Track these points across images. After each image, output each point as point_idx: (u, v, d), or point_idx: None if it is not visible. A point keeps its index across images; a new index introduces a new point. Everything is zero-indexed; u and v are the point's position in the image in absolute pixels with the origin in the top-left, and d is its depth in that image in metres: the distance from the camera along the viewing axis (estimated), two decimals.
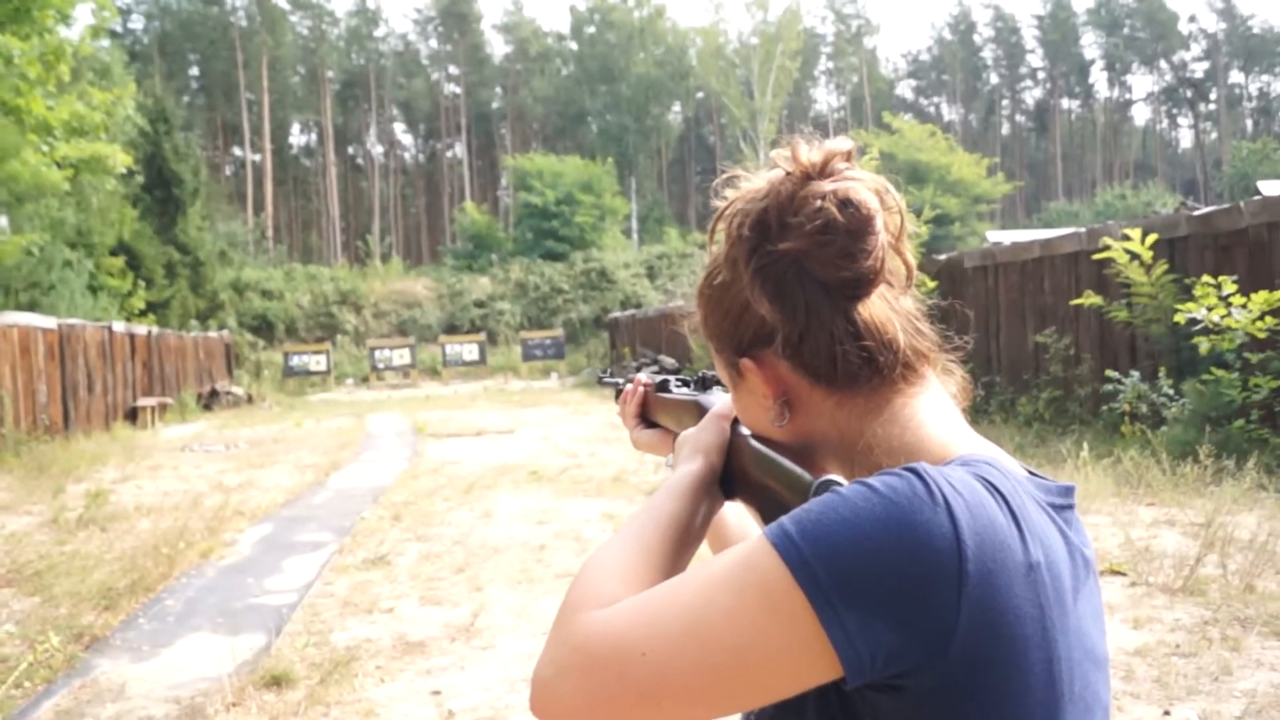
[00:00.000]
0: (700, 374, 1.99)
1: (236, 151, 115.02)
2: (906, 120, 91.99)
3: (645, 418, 2.27)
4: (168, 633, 8.26)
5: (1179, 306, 13.28)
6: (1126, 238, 14.50)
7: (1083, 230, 17.20)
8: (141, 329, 32.19)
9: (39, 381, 22.70)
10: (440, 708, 6.30)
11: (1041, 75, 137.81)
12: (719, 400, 1.81)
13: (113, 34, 64.65)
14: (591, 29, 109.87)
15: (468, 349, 54.40)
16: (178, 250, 49.57)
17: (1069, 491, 1.38)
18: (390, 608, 8.68)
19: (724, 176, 1.56)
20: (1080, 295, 15.67)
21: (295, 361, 51.32)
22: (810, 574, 1.15)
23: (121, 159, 28.98)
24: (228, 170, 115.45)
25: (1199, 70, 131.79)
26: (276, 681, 6.73)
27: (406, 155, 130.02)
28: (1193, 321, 12.94)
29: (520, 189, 79.83)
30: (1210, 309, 12.66)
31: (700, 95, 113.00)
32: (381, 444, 22.81)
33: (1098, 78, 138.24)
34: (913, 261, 1.50)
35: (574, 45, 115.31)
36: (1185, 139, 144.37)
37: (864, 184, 1.40)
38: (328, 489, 16.01)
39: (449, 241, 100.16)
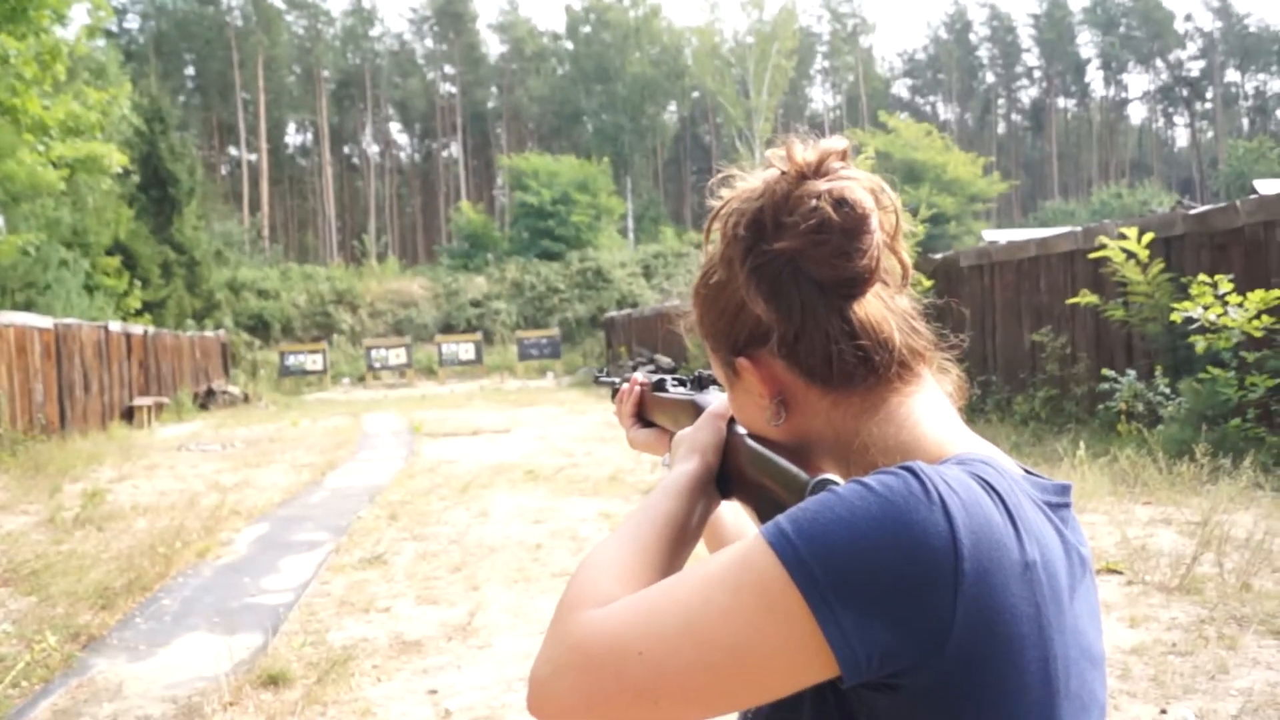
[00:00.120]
0: (697, 373, 1.99)
1: (232, 151, 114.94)
2: (902, 119, 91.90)
3: (642, 417, 2.26)
4: (164, 632, 8.26)
5: (1175, 305, 13.29)
6: (1123, 236, 14.51)
7: (1079, 229, 17.20)
8: (138, 328, 32.18)
9: (35, 381, 22.69)
10: (437, 707, 6.30)
11: (1037, 74, 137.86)
12: (715, 399, 1.81)
13: (108, 34, 64.69)
14: (587, 28, 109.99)
15: (464, 348, 54.38)
16: (174, 250, 49.52)
17: (1065, 490, 1.38)
18: (387, 607, 8.67)
19: (719, 176, 1.56)
20: (1076, 294, 15.69)
21: (291, 361, 51.29)
22: (806, 572, 1.16)
23: (117, 158, 28.98)
24: (223, 170, 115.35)
25: (1195, 69, 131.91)
26: (273, 681, 6.72)
27: (402, 155, 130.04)
28: (1189, 320, 12.95)
29: (516, 188, 79.80)
30: (1206, 308, 12.68)
31: (696, 94, 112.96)
32: (378, 443, 22.80)
33: (1094, 76, 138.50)
34: (908, 260, 1.50)
35: (569, 45, 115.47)
36: (1181, 138, 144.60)
37: (859, 183, 1.41)
38: (324, 488, 16.01)
39: (445, 241, 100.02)
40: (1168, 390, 13.92)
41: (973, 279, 19.50)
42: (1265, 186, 24.50)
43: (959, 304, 17.99)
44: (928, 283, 18.99)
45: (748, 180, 1.51)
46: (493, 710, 6.20)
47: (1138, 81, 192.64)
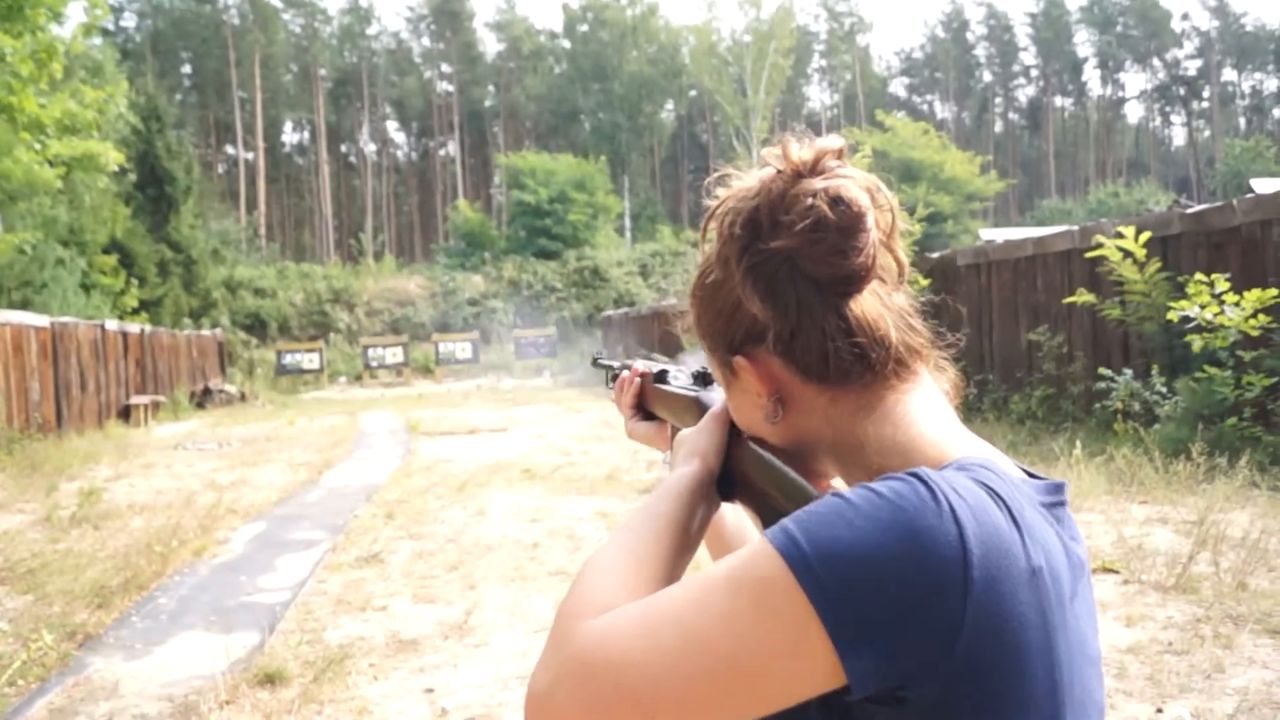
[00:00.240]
0: (700, 369, 1.95)
1: (229, 150, 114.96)
2: (899, 118, 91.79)
3: (642, 408, 2.24)
4: (161, 631, 8.26)
5: (1172, 304, 13.30)
6: (1120, 236, 14.50)
7: (1076, 228, 17.22)
8: (134, 327, 32.17)
9: (32, 380, 22.68)
10: (433, 705, 6.30)
11: (1034, 73, 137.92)
12: (719, 399, 1.78)
13: (105, 32, 64.75)
14: (584, 27, 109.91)
15: (461, 347, 54.40)
16: (170, 248, 49.57)
17: (1061, 489, 1.37)
18: (383, 606, 8.67)
19: (716, 175, 1.55)
20: (1073, 293, 15.69)
21: (288, 360, 51.27)
22: (814, 577, 1.13)
23: (114, 157, 28.99)
24: (220, 168, 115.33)
25: (1192, 68, 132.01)
26: (270, 679, 6.72)
27: (399, 153, 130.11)
28: (1185, 319, 12.96)
29: (513, 187, 79.91)
30: (1203, 307, 12.68)
31: (693, 93, 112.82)
32: (374, 442, 22.80)
33: (1091, 75, 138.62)
34: (905, 258, 1.49)
35: (567, 43, 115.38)
36: (1178, 137, 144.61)
37: (855, 181, 1.40)
38: (321, 487, 16.01)
39: (442, 240, 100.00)
40: (1164, 389, 13.93)
41: (970, 278, 19.50)
42: (1262, 185, 24.57)
43: (955, 302, 18.03)
44: (924, 281, 18.96)
45: (744, 179, 1.51)
46: (489, 709, 6.20)
47: (1135, 80, 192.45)
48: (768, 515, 1.49)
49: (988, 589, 1.14)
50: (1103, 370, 15.05)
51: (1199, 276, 12.91)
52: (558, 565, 9.84)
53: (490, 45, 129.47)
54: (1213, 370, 12.76)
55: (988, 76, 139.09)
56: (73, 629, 8.16)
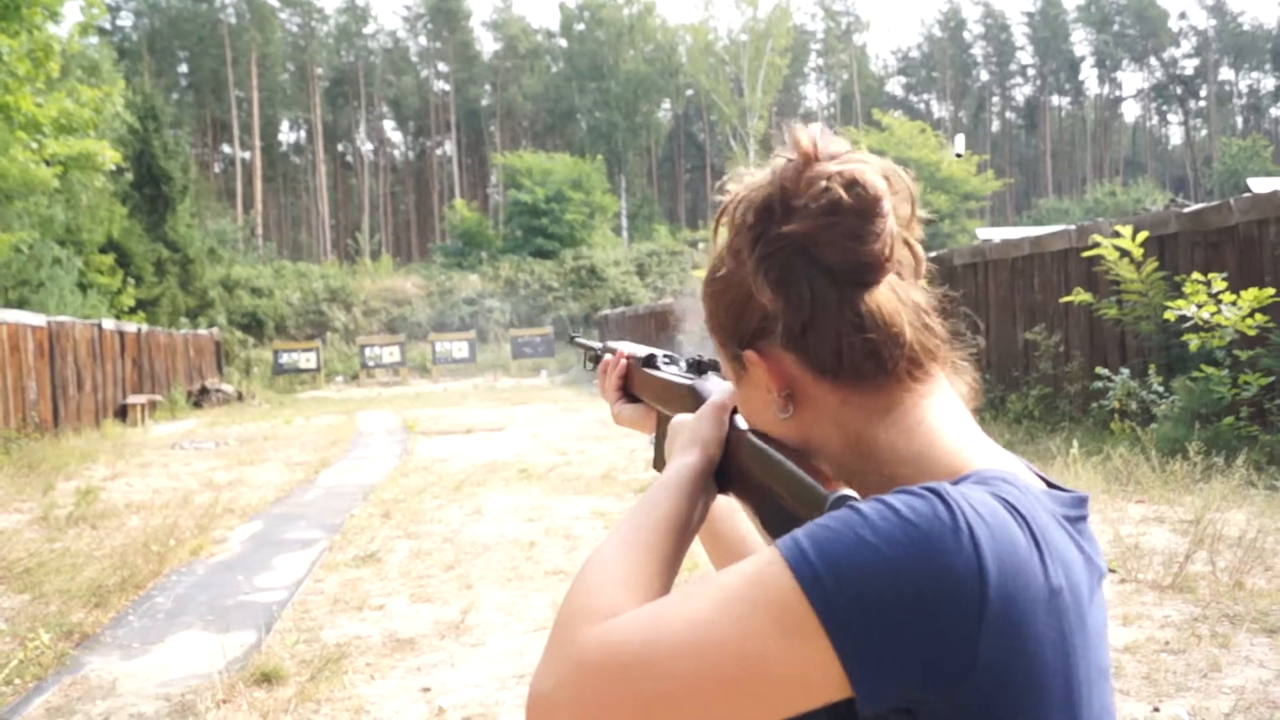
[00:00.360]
0: (695, 357, 1.94)
1: (225, 149, 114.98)
2: (896, 117, 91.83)
3: (627, 391, 2.22)
4: (158, 630, 8.25)
5: (1169, 304, 13.31)
6: (1117, 235, 14.51)
7: (1072, 227, 17.21)
8: (131, 326, 32.14)
9: (28, 379, 22.67)
10: (430, 705, 6.30)
11: (1031, 72, 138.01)
12: (717, 388, 1.77)
13: (101, 31, 64.80)
14: (581, 26, 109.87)
15: (457, 347, 54.44)
16: (167, 248, 49.53)
17: (1083, 502, 1.35)
18: (380, 605, 8.67)
19: (729, 175, 1.53)
20: (1070, 292, 15.70)
21: (285, 359, 51.31)
22: (824, 594, 1.12)
23: (110, 155, 28.95)
24: (217, 167, 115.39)
25: (1189, 67, 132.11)
26: (267, 679, 6.72)
27: (396, 153, 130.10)
28: (1182, 319, 12.98)
29: (510, 186, 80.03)
30: (1200, 306, 12.70)
31: (690, 92, 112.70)
32: (371, 441, 22.79)
33: (1088, 74, 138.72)
34: (922, 252, 1.47)
35: (563, 42, 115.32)
36: (1175, 136, 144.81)
37: (871, 166, 1.37)
38: (318, 486, 16.00)
39: (438, 239, 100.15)
40: (1161, 389, 13.93)
41: (967, 277, 19.50)
42: (1259, 185, 24.58)
43: (962, 304, 18.04)
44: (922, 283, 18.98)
45: (755, 175, 1.47)
46: (486, 708, 6.19)
47: (1131, 80, 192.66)
48: (766, 512, 1.47)
49: (1004, 611, 1.12)
50: (1099, 369, 15.06)
51: (1196, 276, 12.93)
52: (554, 565, 9.84)
53: (487, 44, 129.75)
54: (1209, 369, 12.76)
55: (985, 75, 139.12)
56: (70, 628, 8.15)
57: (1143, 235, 14.28)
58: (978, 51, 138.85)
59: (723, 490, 1.62)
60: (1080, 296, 15.28)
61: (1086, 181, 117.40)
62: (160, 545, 10.95)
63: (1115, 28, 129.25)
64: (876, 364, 1.36)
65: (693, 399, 1.83)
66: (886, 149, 75.74)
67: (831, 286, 1.35)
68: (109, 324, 29.45)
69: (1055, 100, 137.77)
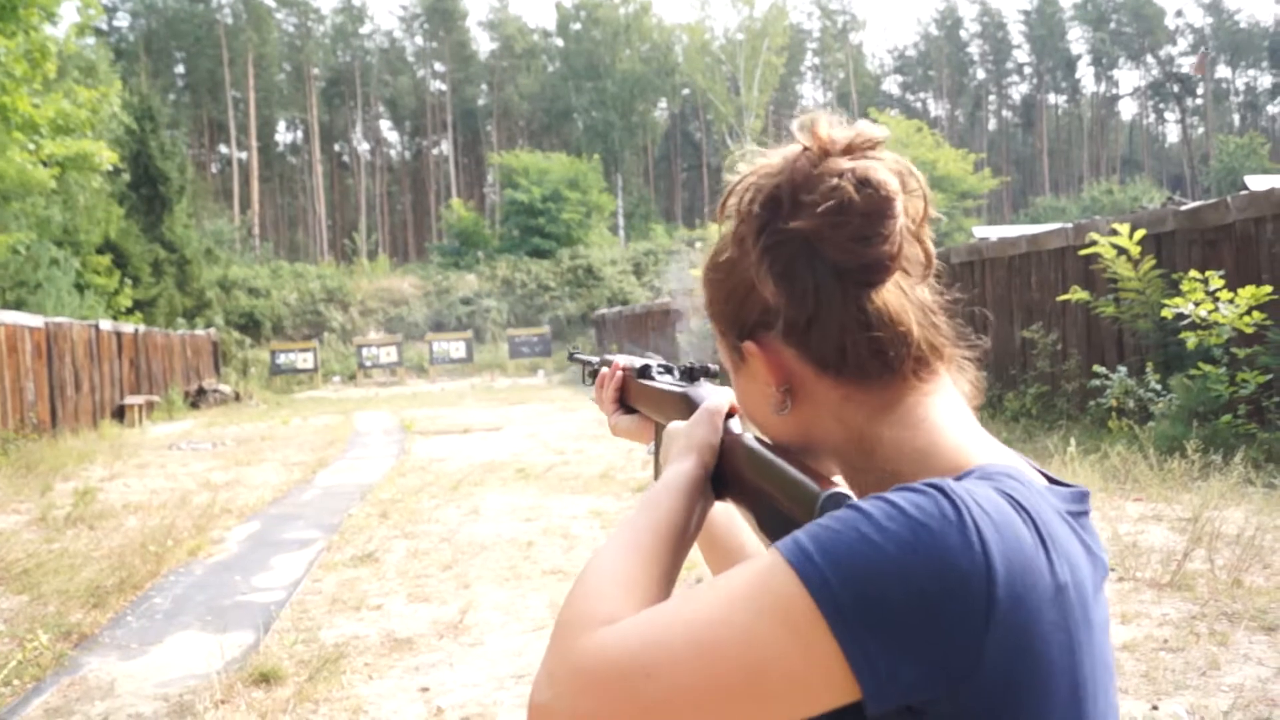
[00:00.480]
0: (687, 364, 1.93)
1: (222, 149, 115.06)
2: (893, 116, 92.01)
3: (624, 403, 2.22)
4: (156, 630, 8.26)
5: (1166, 301, 13.31)
6: (1114, 233, 14.51)
7: (1070, 226, 17.20)
8: (128, 327, 32.16)
9: (26, 380, 22.68)
10: (428, 704, 6.30)
11: (1028, 70, 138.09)
12: (711, 394, 1.75)
13: (98, 32, 64.71)
14: (577, 25, 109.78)
15: (454, 346, 54.53)
16: (164, 248, 49.52)
17: (1084, 497, 1.33)
18: (378, 605, 8.67)
19: (739, 152, 1.51)
20: (1067, 291, 15.70)
21: (282, 359, 51.37)
22: (830, 595, 1.09)
23: (107, 155, 28.93)
24: (214, 168, 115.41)
25: (1186, 65, 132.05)
26: (265, 679, 6.72)
27: (392, 152, 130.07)
28: (1180, 316, 12.99)
29: (506, 186, 80.00)
30: (1197, 304, 12.70)
31: (686, 92, 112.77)
32: (369, 441, 22.80)
33: (1084, 73, 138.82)
34: (932, 249, 1.44)
35: (560, 42, 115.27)
36: (1172, 134, 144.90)
37: (885, 164, 1.35)
38: (315, 487, 16.00)
39: (435, 239, 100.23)
40: (1159, 386, 13.93)
41: (964, 276, 19.48)
42: (1256, 182, 24.50)
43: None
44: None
45: (768, 157, 1.43)
46: (484, 707, 6.20)
47: (1128, 78, 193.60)
48: (765, 517, 1.45)
49: (1011, 609, 1.10)
50: (1097, 368, 15.07)
51: (1193, 273, 12.94)
52: (552, 564, 9.84)
53: (483, 44, 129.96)
54: (1207, 367, 12.76)
55: (981, 74, 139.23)
56: (68, 629, 8.16)
57: (1140, 233, 14.28)
58: (974, 50, 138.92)
59: (719, 496, 1.60)
60: (1077, 295, 15.28)
61: (1083, 180, 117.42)
62: (158, 546, 10.96)
63: (1112, 26, 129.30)
64: (882, 362, 1.35)
65: (686, 406, 1.81)
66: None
67: (836, 284, 1.33)
68: (106, 325, 29.47)
69: (1052, 98, 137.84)
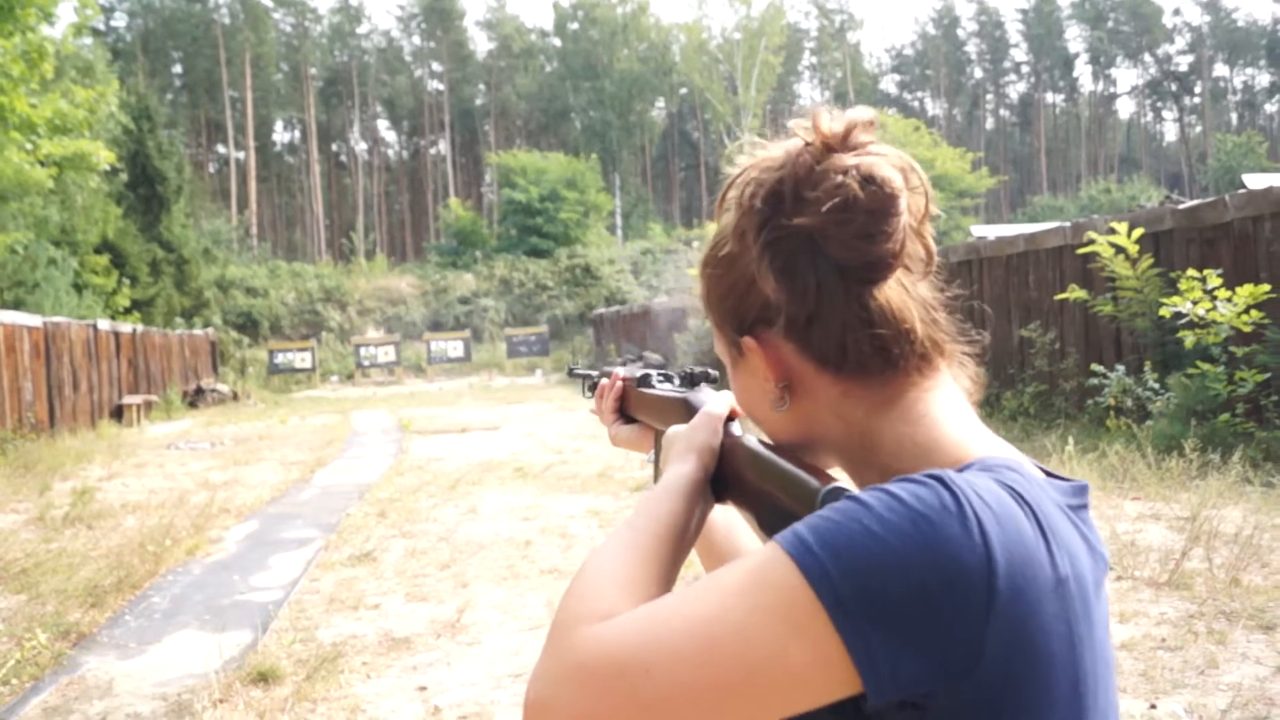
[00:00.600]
0: (687, 370, 1.92)
1: (220, 149, 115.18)
2: (890, 115, 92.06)
3: (624, 413, 2.21)
4: (154, 630, 8.25)
5: (1164, 300, 13.31)
6: (1112, 231, 14.51)
7: (1067, 224, 17.19)
8: (126, 327, 32.12)
9: (24, 379, 22.68)
10: (426, 704, 6.30)
11: (1025, 69, 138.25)
12: (710, 398, 1.74)
13: (95, 32, 64.72)
14: (575, 25, 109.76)
15: (452, 346, 54.55)
16: (162, 248, 49.49)
17: (1083, 491, 1.33)
18: (376, 604, 8.67)
19: (739, 143, 1.50)
20: (1065, 289, 15.69)
21: (280, 359, 51.35)
22: (831, 587, 1.09)
23: (105, 156, 28.90)
24: (211, 168, 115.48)
25: (1183, 64, 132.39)
26: (263, 678, 6.72)
27: (390, 152, 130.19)
28: (1178, 315, 12.98)
29: (504, 185, 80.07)
30: (1195, 303, 12.70)
31: (684, 91, 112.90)
32: (367, 441, 22.79)
33: (1082, 71, 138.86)
34: (933, 246, 1.43)
35: (557, 41, 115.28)
36: (1170, 132, 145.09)
37: (888, 160, 1.34)
38: (313, 486, 15.99)
39: (433, 238, 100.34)
40: (1157, 385, 13.92)
41: (961, 275, 19.47)
42: (1254, 181, 24.50)
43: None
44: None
45: (769, 149, 1.42)
46: (482, 707, 6.19)
47: (1126, 76, 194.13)
48: (767, 517, 1.44)
49: (1012, 601, 1.10)
50: (1095, 366, 15.06)
51: (1191, 272, 12.93)
52: (550, 564, 9.84)
53: (481, 44, 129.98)
54: (1205, 366, 12.75)
55: (979, 73, 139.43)
56: (66, 628, 8.15)
57: (1138, 232, 14.28)
58: (971, 49, 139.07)
59: (719, 498, 1.59)
60: (1075, 293, 15.28)
61: (1081, 178, 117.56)
62: (156, 545, 10.96)
63: (1109, 24, 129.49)
64: (884, 359, 1.34)
65: (686, 411, 1.81)
66: None
67: (839, 281, 1.32)
68: (104, 324, 29.45)
69: (1049, 97, 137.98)
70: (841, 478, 1.35)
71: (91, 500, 13.98)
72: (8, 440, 20.21)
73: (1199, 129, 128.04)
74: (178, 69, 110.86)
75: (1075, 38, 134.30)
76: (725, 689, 1.12)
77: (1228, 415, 12.41)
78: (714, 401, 1.68)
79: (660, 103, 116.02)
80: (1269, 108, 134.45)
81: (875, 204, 1.29)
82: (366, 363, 53.02)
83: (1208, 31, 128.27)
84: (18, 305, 29.33)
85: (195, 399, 36.45)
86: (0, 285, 30.29)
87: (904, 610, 1.08)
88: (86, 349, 27.29)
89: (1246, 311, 12.24)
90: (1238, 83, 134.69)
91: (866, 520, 1.12)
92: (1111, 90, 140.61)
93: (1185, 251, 14.40)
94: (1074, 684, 1.16)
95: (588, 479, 14.94)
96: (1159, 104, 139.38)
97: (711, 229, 1.58)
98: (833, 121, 1.35)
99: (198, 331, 44.49)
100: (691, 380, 1.91)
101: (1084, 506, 1.32)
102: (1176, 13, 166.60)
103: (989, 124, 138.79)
